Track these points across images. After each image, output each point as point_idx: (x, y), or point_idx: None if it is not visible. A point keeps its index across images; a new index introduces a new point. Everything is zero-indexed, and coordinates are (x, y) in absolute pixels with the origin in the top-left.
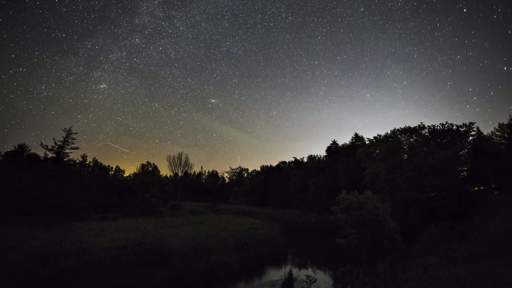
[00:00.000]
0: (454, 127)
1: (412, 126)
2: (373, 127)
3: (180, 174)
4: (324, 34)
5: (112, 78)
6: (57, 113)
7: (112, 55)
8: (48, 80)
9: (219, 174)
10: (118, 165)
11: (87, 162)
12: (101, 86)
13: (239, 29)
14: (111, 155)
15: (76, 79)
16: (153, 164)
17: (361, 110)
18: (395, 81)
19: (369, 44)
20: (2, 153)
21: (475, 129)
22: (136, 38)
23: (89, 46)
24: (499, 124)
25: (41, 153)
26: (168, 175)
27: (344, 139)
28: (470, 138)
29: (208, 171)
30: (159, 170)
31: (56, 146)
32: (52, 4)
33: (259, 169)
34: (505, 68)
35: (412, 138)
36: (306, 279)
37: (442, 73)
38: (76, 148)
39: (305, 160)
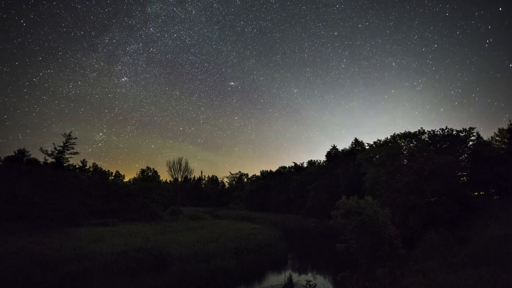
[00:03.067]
0: (454, 132)
1: (412, 131)
2: (399, 97)
3: (180, 179)
4: (343, 1)
5: (132, 70)
6: (86, 109)
7: (129, 48)
8: (74, 78)
9: (219, 179)
10: (146, 156)
11: (87, 167)
12: (123, 80)
13: (252, 6)
14: (139, 146)
15: (99, 75)
16: (153, 169)
17: (387, 80)
18: (424, 45)
19: (393, 7)
20: (2, 158)
21: (475, 134)
22: (150, 27)
23: (106, 41)
24: (499, 129)
25: (40, 158)
26: (168, 180)
27: (364, 118)
28: (470, 143)
29: (208, 176)
30: (158, 175)
31: (56, 151)
32: (67, 2)
33: (259, 174)
34: None
35: (412, 143)
36: (306, 284)
37: (479, 31)
38: (76, 153)
39: (305, 165)
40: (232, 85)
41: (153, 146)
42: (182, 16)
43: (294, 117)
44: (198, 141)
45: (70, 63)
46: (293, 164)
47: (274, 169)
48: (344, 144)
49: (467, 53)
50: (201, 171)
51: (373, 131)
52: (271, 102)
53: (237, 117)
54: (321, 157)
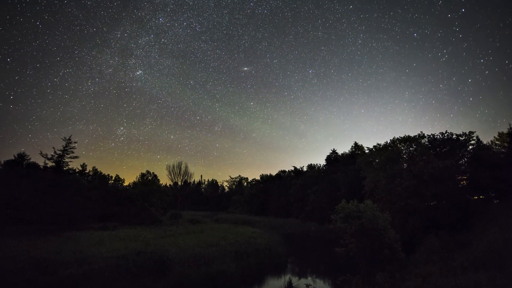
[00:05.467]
0: (454, 136)
1: (412, 135)
2: (422, 70)
3: (179, 183)
4: None
5: (146, 63)
6: (106, 105)
7: (141, 40)
8: (92, 75)
9: (219, 183)
10: (166, 147)
11: (87, 171)
12: (138, 73)
13: None
14: (158, 137)
15: (114, 70)
16: (153, 173)
17: (408, 53)
18: (450, 10)
19: None
20: (2, 162)
21: (474, 138)
22: (160, 17)
23: (118, 35)
24: (499, 133)
25: (40, 162)
26: (167, 184)
27: (384, 94)
28: (470, 147)
29: (208, 180)
30: (158, 179)
31: (56, 155)
32: None
33: (258, 178)
34: None
35: (412, 147)
36: None
37: None
38: (76, 157)
39: (304, 169)
40: (245, 70)
41: (172, 137)
42: (191, 3)
43: (310, 99)
44: (216, 129)
45: (87, 60)
46: (292, 168)
47: (277, 170)
48: (357, 130)
49: (500, 15)
50: (201, 175)
51: (395, 108)
52: (286, 84)
53: (253, 103)
54: (337, 141)
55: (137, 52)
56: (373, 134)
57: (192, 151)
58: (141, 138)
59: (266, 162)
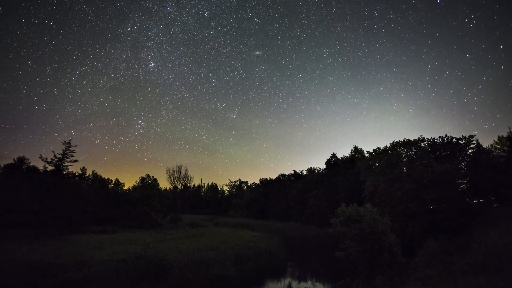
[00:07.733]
0: (454, 140)
1: (412, 139)
2: (447, 40)
3: (179, 187)
4: None
5: (158, 55)
6: (123, 99)
7: (151, 32)
8: (107, 71)
9: (219, 187)
10: (183, 137)
11: (87, 175)
12: (150, 66)
13: None
14: (175, 128)
15: (128, 65)
16: (153, 177)
17: (430, 22)
18: None
19: None
20: (2, 165)
21: (474, 141)
22: (168, 6)
23: (129, 29)
24: (499, 137)
25: (40, 165)
26: (167, 188)
27: (404, 70)
28: (470, 151)
29: (208, 183)
30: (158, 183)
31: (56, 159)
32: None
33: (258, 181)
34: None
35: (412, 151)
36: None
37: None
38: (76, 161)
39: (304, 173)
40: (257, 54)
41: (189, 127)
42: None
43: (325, 80)
44: (231, 116)
45: (101, 57)
46: (292, 172)
47: (285, 165)
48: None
49: None
50: (201, 179)
51: (416, 83)
52: (300, 66)
53: (267, 87)
54: (355, 121)
55: (148, 44)
56: (394, 113)
57: (209, 140)
58: (159, 130)
59: (282, 150)
